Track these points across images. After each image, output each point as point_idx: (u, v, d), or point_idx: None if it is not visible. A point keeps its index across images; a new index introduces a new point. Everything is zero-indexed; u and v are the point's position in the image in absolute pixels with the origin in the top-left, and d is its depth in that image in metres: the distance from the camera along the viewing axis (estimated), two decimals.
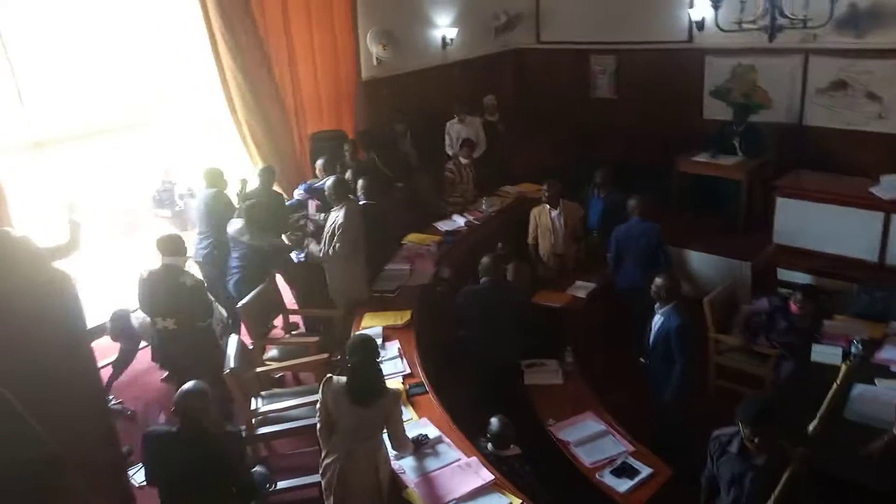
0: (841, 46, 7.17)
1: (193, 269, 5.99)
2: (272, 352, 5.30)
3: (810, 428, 2.76)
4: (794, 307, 4.87)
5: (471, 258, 6.17)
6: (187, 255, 4.92)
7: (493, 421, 3.69)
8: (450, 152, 7.80)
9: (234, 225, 5.47)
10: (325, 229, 5.33)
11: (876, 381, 4.22)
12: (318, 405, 3.42)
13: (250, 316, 5.10)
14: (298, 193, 6.50)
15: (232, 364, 4.20)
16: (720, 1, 5.53)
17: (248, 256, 5.43)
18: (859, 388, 4.14)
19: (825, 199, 6.23)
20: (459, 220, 6.71)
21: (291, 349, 5.21)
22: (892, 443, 3.59)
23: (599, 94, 9.40)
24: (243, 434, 4.06)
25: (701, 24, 7.98)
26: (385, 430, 3.42)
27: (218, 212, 5.79)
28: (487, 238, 6.48)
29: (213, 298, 5.05)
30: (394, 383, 4.03)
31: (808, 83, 7.55)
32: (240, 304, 5.04)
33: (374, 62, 7.88)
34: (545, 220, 6.15)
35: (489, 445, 3.67)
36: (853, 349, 4.56)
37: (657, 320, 4.35)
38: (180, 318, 4.59)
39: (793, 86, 7.64)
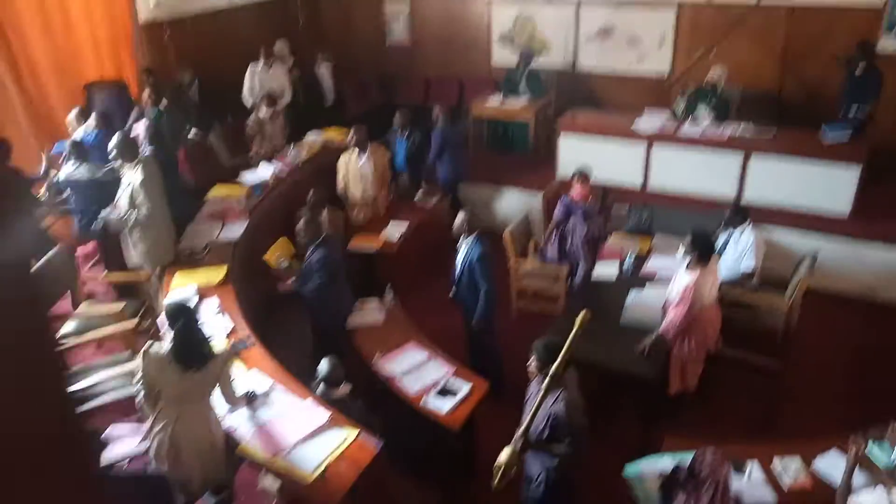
0: None
1: None
2: (68, 326, 4.85)
3: (553, 368, 3.22)
4: (577, 192, 5.50)
5: (283, 209, 6.14)
6: None
7: (323, 362, 3.82)
8: (248, 100, 7.48)
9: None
10: (120, 193, 4.94)
11: (645, 288, 4.99)
12: (137, 377, 3.27)
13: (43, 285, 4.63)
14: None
15: None
16: None
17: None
18: (632, 296, 4.88)
19: (597, 134, 7.04)
20: (266, 172, 6.54)
21: (91, 321, 4.82)
22: (658, 340, 4.33)
23: (395, 40, 9.53)
24: None
25: None
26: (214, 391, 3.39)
27: None
28: (297, 188, 6.44)
29: None
30: (218, 341, 3.97)
31: (580, 31, 8.34)
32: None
33: (152, 4, 7.26)
34: (354, 167, 6.25)
35: (321, 387, 3.80)
36: (627, 262, 5.36)
37: (461, 252, 4.71)
38: None
39: (567, 34, 8.39)
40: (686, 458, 3.15)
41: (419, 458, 4.13)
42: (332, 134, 7.46)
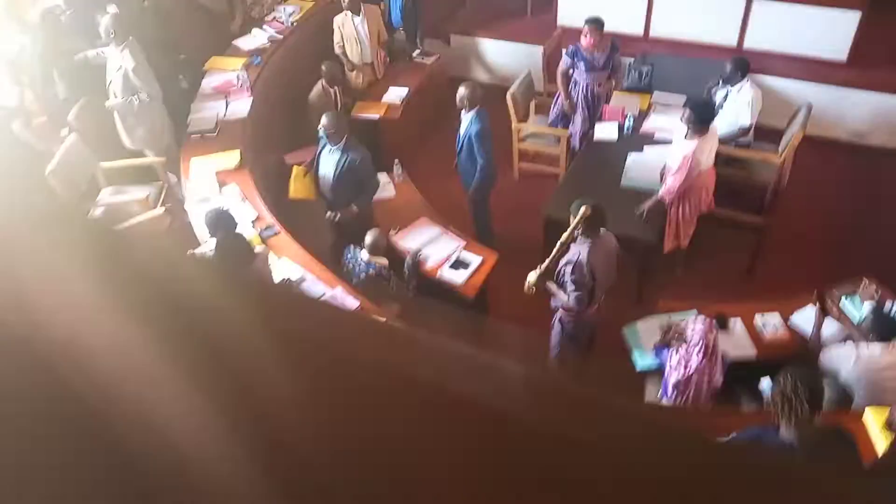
0: None
1: None
2: (96, 213, 5.05)
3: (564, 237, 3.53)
4: (586, 41, 5.39)
5: (286, 78, 6.10)
6: None
7: (369, 234, 4.09)
8: None
9: None
10: (109, 77, 5.00)
11: (644, 148, 5.16)
12: None
13: (61, 180, 4.79)
14: None
15: None
16: None
17: None
18: (632, 158, 5.07)
19: None
20: (261, 36, 6.35)
21: (117, 208, 5.02)
22: (658, 202, 4.59)
23: None
24: None
25: None
26: None
27: None
28: (297, 52, 6.34)
29: None
30: (245, 230, 4.20)
31: None
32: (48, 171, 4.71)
33: None
34: (349, 30, 6.09)
35: (365, 254, 4.09)
36: (627, 123, 5.48)
37: (462, 125, 4.84)
38: None
39: None
40: (678, 318, 3.59)
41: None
42: None
